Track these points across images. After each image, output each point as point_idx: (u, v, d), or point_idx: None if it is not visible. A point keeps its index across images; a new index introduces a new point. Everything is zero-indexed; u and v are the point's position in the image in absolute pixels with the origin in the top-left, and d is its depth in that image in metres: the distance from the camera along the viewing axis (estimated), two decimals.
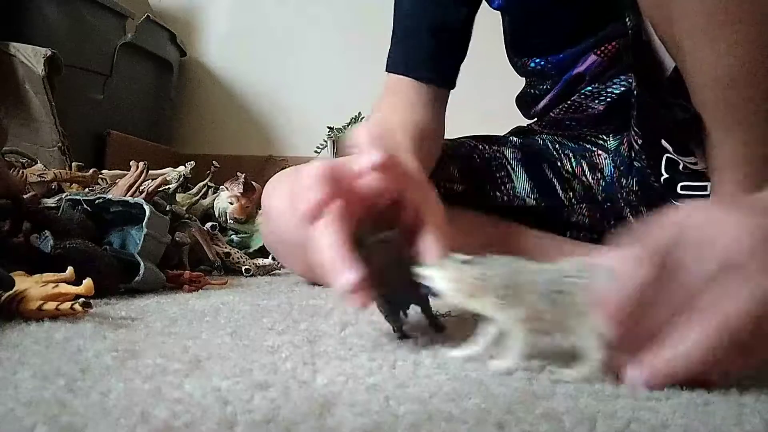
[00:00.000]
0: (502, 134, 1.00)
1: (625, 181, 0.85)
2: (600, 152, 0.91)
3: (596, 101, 0.83)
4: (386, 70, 0.87)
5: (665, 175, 0.75)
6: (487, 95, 1.76)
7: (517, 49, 0.90)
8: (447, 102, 0.87)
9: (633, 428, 0.31)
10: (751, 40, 0.54)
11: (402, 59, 0.85)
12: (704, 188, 0.72)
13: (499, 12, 0.89)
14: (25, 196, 0.74)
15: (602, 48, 0.80)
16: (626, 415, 0.33)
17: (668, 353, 0.37)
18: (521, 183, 0.92)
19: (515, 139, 0.97)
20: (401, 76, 0.84)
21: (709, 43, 0.56)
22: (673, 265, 0.37)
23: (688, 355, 0.37)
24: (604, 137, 0.91)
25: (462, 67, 0.88)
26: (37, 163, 1.06)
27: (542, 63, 0.86)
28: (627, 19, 0.69)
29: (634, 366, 0.38)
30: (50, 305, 0.52)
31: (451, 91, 0.88)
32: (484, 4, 0.87)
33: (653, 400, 0.36)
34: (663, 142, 0.72)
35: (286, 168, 0.91)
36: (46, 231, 0.67)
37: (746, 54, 0.54)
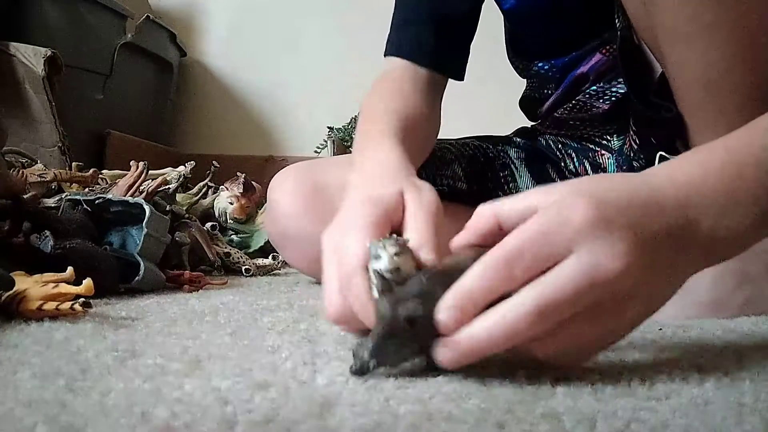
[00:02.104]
0: (505, 135, 1.00)
1: None
2: (603, 152, 0.91)
3: (601, 100, 0.83)
4: (384, 55, 0.86)
5: None
6: (488, 97, 1.76)
7: (521, 52, 0.90)
8: (443, 91, 0.86)
9: (633, 428, 0.31)
10: (726, 43, 0.56)
11: (400, 43, 0.85)
12: None
13: (502, 14, 0.89)
14: (25, 196, 0.74)
15: (608, 47, 0.80)
16: (626, 415, 0.33)
17: (473, 328, 0.36)
18: (524, 182, 0.93)
19: (519, 139, 0.97)
20: (397, 59, 0.84)
21: (688, 46, 0.58)
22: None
23: (489, 329, 0.36)
24: (608, 137, 0.91)
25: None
26: (37, 163, 1.05)
27: (546, 66, 0.86)
28: (617, 22, 0.69)
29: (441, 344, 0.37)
30: (50, 305, 0.52)
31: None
32: (490, 3, 0.87)
33: (653, 400, 0.36)
34: (653, 140, 0.73)
35: (286, 168, 0.91)
36: (46, 231, 0.67)
37: (723, 56, 0.56)
